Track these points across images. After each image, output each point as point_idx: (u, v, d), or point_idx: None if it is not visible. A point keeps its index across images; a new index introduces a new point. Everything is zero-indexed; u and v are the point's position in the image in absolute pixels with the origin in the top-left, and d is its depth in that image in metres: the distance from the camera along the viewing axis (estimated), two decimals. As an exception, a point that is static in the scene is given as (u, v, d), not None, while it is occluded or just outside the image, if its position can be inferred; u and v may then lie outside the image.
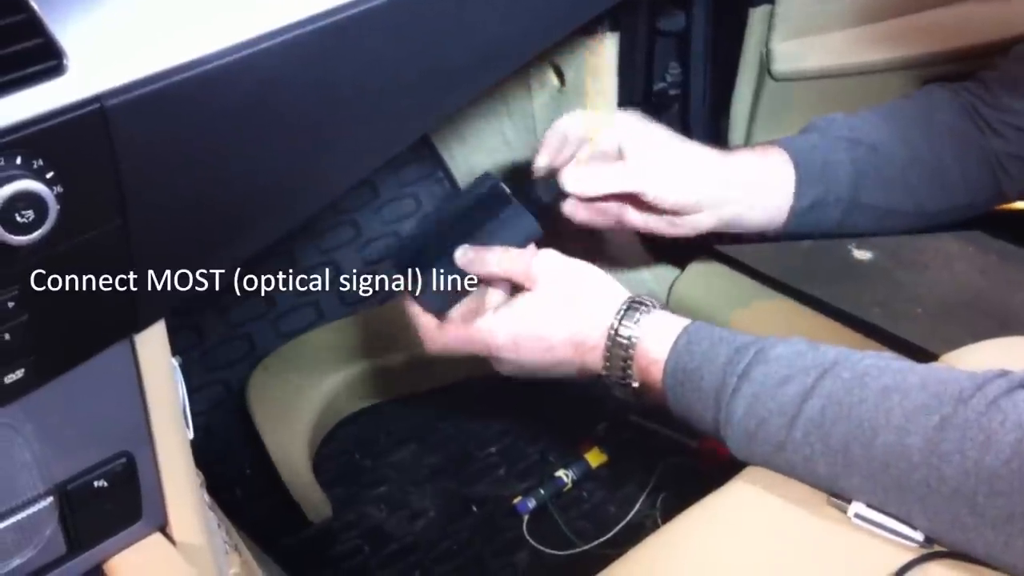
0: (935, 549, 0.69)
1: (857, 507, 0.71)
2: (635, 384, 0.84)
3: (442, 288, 0.92)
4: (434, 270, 0.91)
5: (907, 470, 0.68)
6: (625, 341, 0.83)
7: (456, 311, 0.93)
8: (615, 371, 0.84)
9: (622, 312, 0.84)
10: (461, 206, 0.96)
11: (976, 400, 0.67)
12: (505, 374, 0.91)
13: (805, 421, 0.73)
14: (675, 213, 0.98)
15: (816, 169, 1.00)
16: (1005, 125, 1.03)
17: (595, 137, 0.96)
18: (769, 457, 0.76)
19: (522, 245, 0.92)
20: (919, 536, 0.69)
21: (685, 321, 0.84)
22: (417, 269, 0.92)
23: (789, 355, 0.76)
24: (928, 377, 0.71)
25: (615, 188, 0.96)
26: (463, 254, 0.91)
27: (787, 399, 0.74)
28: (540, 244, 0.93)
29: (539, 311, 0.87)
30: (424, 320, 0.92)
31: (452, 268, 0.92)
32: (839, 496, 0.73)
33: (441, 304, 0.92)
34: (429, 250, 0.93)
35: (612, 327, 0.84)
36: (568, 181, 0.95)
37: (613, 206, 0.99)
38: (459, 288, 0.92)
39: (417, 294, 0.92)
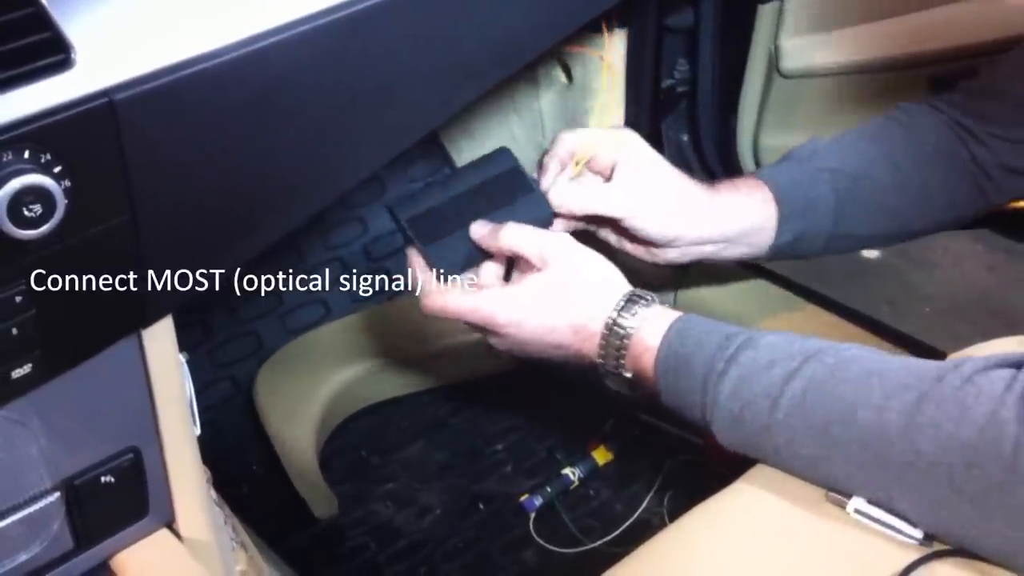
0: (936, 548, 0.70)
1: (857, 503, 0.72)
2: (627, 374, 0.85)
3: (455, 255, 0.92)
4: (451, 236, 0.92)
5: (885, 446, 0.69)
6: (621, 331, 0.84)
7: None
8: (609, 360, 0.85)
9: (621, 304, 0.85)
10: (476, 180, 0.96)
11: (952, 376, 0.68)
12: (499, 349, 0.92)
13: (787, 402, 0.74)
14: (649, 243, 0.99)
15: (798, 206, 1.00)
16: (990, 136, 1.02)
17: (587, 155, 0.96)
18: (753, 440, 0.77)
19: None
20: (918, 534, 0.70)
21: (678, 314, 0.84)
22: (433, 231, 0.93)
23: (777, 342, 0.77)
24: (909, 362, 0.72)
25: (599, 210, 0.96)
26: (480, 227, 0.92)
27: (771, 382, 0.75)
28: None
29: (547, 294, 0.87)
30: (427, 276, 0.92)
31: (465, 240, 0.92)
32: (836, 491, 0.74)
33: (446, 270, 0.92)
34: (444, 217, 0.94)
35: (611, 317, 0.85)
36: (555, 196, 0.96)
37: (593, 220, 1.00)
38: (471, 259, 0.93)
39: (430, 254, 0.92)
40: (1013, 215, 1.31)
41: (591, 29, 1.26)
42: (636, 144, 0.99)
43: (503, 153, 0.98)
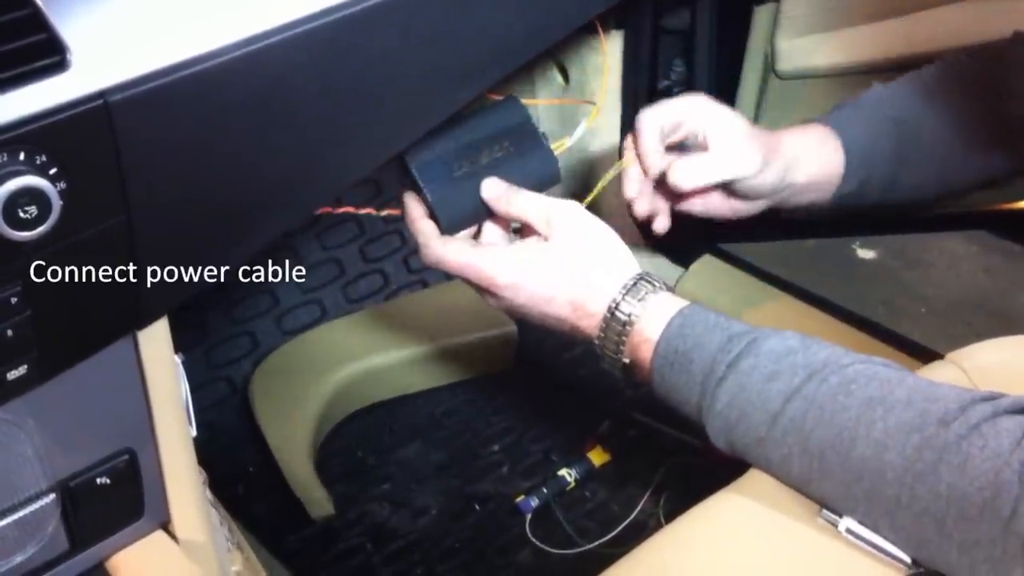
0: (922, 570, 0.69)
1: (848, 522, 0.71)
2: (625, 360, 0.83)
3: (460, 209, 0.90)
4: (458, 189, 0.90)
5: (880, 485, 0.68)
6: (624, 317, 0.82)
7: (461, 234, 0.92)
8: (608, 344, 0.83)
9: (628, 287, 0.83)
10: (487, 130, 0.93)
11: (958, 424, 0.66)
12: (492, 308, 0.90)
13: (786, 421, 0.73)
14: (741, 197, 1.00)
15: (863, 155, 1.02)
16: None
17: (624, 165, 0.98)
18: (747, 449, 0.76)
19: (539, 187, 0.92)
20: (907, 558, 0.69)
21: (684, 303, 0.83)
22: (439, 181, 0.90)
23: (780, 351, 0.75)
24: (915, 393, 0.70)
25: (721, 178, 0.96)
26: (493, 187, 0.90)
27: (771, 396, 0.74)
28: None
29: (550, 263, 0.85)
30: (426, 226, 0.90)
31: (473, 194, 0.90)
32: (827, 507, 0.73)
33: (450, 223, 0.91)
34: (452, 167, 0.91)
35: (614, 300, 0.83)
36: (679, 177, 0.95)
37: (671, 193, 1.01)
38: (477, 214, 0.91)
39: (435, 205, 0.89)
40: (1010, 217, 1.31)
41: (587, 30, 1.26)
42: (714, 107, 0.98)
43: (513, 103, 0.95)
